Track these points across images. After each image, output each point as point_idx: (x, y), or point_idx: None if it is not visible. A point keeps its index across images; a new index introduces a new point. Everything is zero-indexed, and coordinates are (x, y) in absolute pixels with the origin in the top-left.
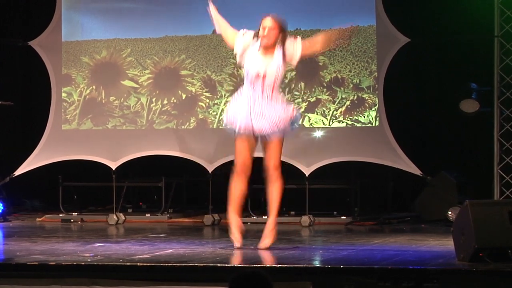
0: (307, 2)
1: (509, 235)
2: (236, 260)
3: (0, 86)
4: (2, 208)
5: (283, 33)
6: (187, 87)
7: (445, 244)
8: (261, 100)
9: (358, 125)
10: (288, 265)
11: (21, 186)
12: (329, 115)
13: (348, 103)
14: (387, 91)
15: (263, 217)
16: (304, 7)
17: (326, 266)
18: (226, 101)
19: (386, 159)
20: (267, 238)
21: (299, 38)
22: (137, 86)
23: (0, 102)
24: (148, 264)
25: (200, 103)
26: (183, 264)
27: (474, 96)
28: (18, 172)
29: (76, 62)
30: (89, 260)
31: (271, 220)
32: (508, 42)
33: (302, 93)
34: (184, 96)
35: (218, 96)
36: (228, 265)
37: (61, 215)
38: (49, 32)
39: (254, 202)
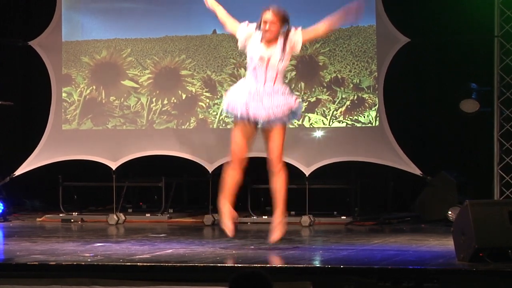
0: (307, 2)
1: (509, 235)
2: (236, 260)
3: (0, 86)
4: (2, 208)
5: (285, 24)
6: (187, 87)
7: (445, 244)
8: (262, 88)
9: (358, 125)
10: (288, 265)
11: (21, 186)
12: (329, 115)
13: (348, 103)
14: (387, 91)
15: (263, 217)
16: (304, 7)
17: (326, 266)
18: None
19: (386, 159)
20: (276, 231)
21: (299, 28)
22: (137, 86)
23: (0, 102)
24: (148, 264)
25: (200, 103)
26: (183, 264)
27: (474, 96)
28: (18, 172)
29: (76, 62)
30: (89, 260)
31: (278, 213)
32: (508, 42)
33: (302, 93)
34: (184, 96)
35: (218, 96)
36: (228, 265)
37: (61, 215)
38: (49, 32)
39: (254, 202)
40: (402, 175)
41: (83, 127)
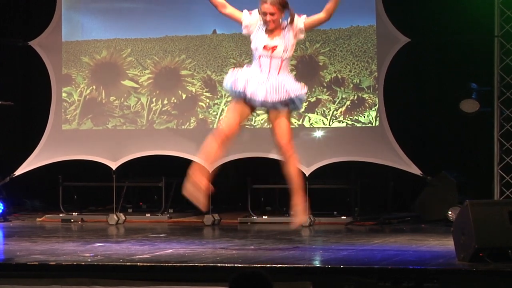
0: (307, 2)
1: (509, 235)
2: (236, 260)
3: (0, 86)
4: (2, 208)
5: (284, 10)
6: (187, 87)
7: (445, 244)
8: (267, 76)
9: (358, 125)
10: (288, 265)
11: (21, 186)
12: (329, 115)
13: (348, 103)
14: (387, 91)
15: (263, 217)
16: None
17: (326, 266)
18: (227, 101)
19: (386, 159)
20: (299, 215)
21: (303, 16)
22: (137, 86)
23: (0, 102)
24: (148, 264)
25: (200, 103)
26: (183, 264)
27: (474, 96)
28: (18, 172)
29: (76, 62)
30: (89, 260)
31: (297, 197)
32: (508, 42)
33: None
34: (184, 96)
35: (218, 96)
36: (228, 265)
37: (61, 215)
38: (49, 32)
39: (254, 202)
40: (402, 175)
41: (83, 127)
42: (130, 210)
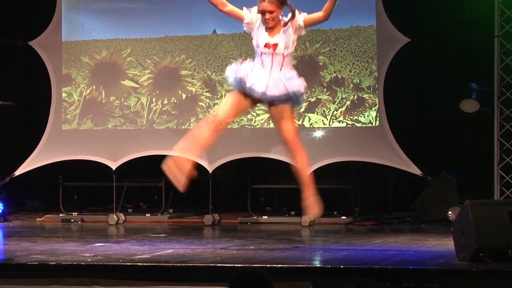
0: (307, 2)
1: (509, 235)
2: (236, 260)
3: (0, 86)
4: (2, 208)
5: (283, 6)
6: (187, 87)
7: (445, 244)
8: (269, 71)
9: (358, 125)
10: (288, 265)
11: (21, 186)
12: (329, 115)
13: (348, 103)
14: (387, 91)
15: (263, 217)
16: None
17: (326, 266)
18: None
19: (386, 159)
20: (313, 209)
21: (303, 14)
22: (137, 86)
23: (0, 102)
24: (148, 264)
25: (200, 103)
26: (183, 264)
27: (474, 96)
28: (18, 172)
29: (76, 62)
30: (89, 260)
31: (308, 190)
32: (508, 42)
33: None
34: (184, 96)
35: (218, 96)
36: (228, 265)
37: (61, 215)
38: (49, 32)
39: (254, 202)
40: (402, 175)
41: (83, 127)
42: (130, 210)
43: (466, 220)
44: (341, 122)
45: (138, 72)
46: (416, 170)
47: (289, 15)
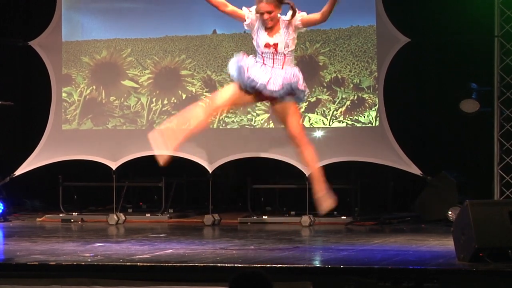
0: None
1: (509, 235)
2: (236, 260)
3: (0, 86)
4: (2, 208)
5: (281, 5)
6: (187, 87)
7: (445, 244)
8: (270, 69)
9: (358, 125)
10: (288, 265)
11: (21, 186)
12: (329, 115)
13: (348, 103)
14: (387, 91)
15: (263, 217)
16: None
17: (326, 266)
18: None
19: (386, 159)
20: (324, 201)
21: (302, 13)
22: (137, 86)
23: (0, 102)
24: (148, 264)
25: (200, 103)
26: (183, 264)
27: (474, 96)
28: (18, 172)
29: (76, 62)
30: (89, 260)
31: (319, 183)
32: (508, 42)
33: None
34: (184, 96)
35: None
36: (228, 265)
37: (61, 215)
38: (49, 32)
39: (254, 202)
40: (402, 175)
41: (83, 127)
42: (130, 210)
43: (466, 220)
44: (341, 122)
45: (138, 72)
46: (416, 170)
47: (289, 13)
